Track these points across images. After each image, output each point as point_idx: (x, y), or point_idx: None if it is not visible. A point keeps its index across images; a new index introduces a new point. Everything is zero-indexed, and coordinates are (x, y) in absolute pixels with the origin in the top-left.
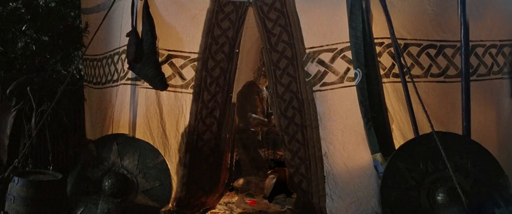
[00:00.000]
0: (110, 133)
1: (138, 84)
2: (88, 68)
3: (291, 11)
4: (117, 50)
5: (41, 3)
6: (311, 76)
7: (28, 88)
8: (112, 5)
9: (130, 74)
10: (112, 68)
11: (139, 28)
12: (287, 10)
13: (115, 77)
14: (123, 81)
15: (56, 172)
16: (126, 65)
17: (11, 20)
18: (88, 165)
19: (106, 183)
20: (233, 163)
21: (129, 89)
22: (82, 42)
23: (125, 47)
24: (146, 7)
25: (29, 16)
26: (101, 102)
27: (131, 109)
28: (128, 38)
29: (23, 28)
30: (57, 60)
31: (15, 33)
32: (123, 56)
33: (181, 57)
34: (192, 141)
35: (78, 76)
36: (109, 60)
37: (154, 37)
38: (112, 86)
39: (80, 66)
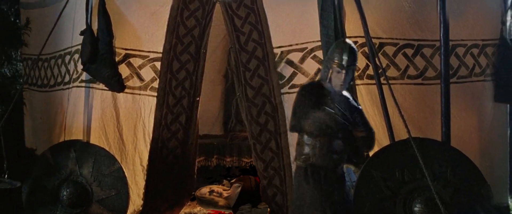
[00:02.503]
0: (61, 139)
1: (93, 87)
2: (30, 69)
3: (262, 8)
4: (69, 50)
5: None
6: (286, 79)
7: None
8: (67, 2)
9: (84, 76)
10: (63, 69)
11: (94, 26)
12: (258, 7)
13: (67, 79)
14: (76, 83)
15: (13, 180)
16: (79, 66)
17: None
18: (44, 173)
19: (64, 193)
20: (195, 171)
21: (83, 92)
22: (22, 40)
23: (79, 47)
24: (102, 3)
25: None
26: (48, 107)
27: (86, 113)
28: (82, 36)
29: None
30: None
31: None
32: (76, 56)
33: (140, 56)
34: (156, 149)
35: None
36: (59, 61)
37: (111, 36)
38: (63, 89)
39: (20, 67)
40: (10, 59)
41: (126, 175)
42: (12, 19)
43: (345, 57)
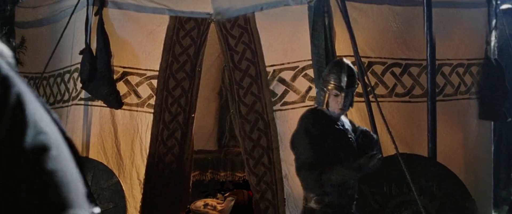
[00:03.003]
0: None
1: (91, 104)
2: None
3: (255, 28)
4: (68, 69)
5: None
6: (278, 96)
7: None
8: (68, 22)
9: (84, 94)
10: (62, 87)
11: (93, 46)
12: (251, 27)
13: (66, 97)
14: (76, 101)
15: None
16: (78, 85)
17: None
18: None
19: None
20: (191, 185)
21: (82, 110)
22: (17, 59)
23: (78, 66)
24: (100, 23)
25: None
26: None
27: (84, 129)
28: (81, 55)
29: None
30: None
31: None
32: (75, 74)
33: (137, 74)
34: (153, 163)
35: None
36: (59, 79)
37: (109, 54)
38: (62, 107)
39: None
40: None
41: (124, 189)
42: (5, 39)
43: (344, 79)
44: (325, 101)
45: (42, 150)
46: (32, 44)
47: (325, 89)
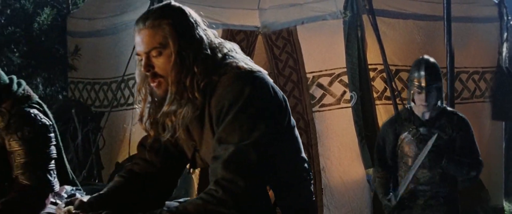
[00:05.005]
0: (125, 152)
1: None
2: (81, 91)
3: (297, 39)
4: (132, 75)
5: (35, 26)
6: (316, 99)
7: (73, 110)
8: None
9: None
10: (126, 92)
11: None
12: (294, 39)
13: (131, 100)
14: (133, 106)
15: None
16: (135, 92)
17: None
18: None
19: None
20: None
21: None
22: (70, 65)
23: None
24: None
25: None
26: (111, 125)
27: None
28: None
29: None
30: (38, 82)
31: (9, 57)
32: (131, 82)
33: None
34: None
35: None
36: (122, 85)
37: None
38: (126, 110)
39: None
40: (55, 82)
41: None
42: (56, 47)
43: (423, 76)
44: (411, 98)
45: None
46: (87, 52)
47: (410, 87)
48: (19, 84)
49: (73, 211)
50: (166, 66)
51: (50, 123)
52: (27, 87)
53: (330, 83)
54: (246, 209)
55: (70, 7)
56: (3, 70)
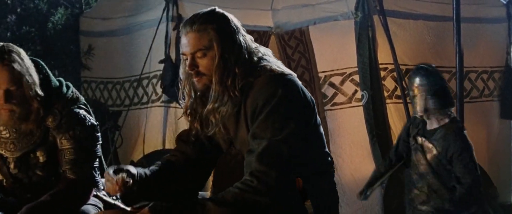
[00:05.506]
0: (140, 149)
1: (170, 106)
2: (94, 91)
3: (309, 39)
4: (147, 75)
5: (49, 26)
6: (328, 98)
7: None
8: (155, 34)
9: (164, 97)
10: (140, 91)
11: (171, 56)
12: (306, 39)
13: (145, 100)
14: (157, 103)
15: None
16: (158, 89)
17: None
18: None
19: None
20: None
21: (162, 111)
22: (83, 64)
23: (157, 73)
24: (179, 37)
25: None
26: (127, 123)
27: (163, 127)
28: (158, 64)
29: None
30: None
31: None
32: (154, 80)
33: None
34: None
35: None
36: (135, 84)
37: None
38: (140, 109)
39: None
40: (68, 81)
41: None
42: (71, 47)
43: (415, 83)
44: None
45: None
46: (100, 52)
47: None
48: (68, 87)
49: (126, 179)
50: (209, 66)
51: (97, 123)
52: (75, 90)
53: (342, 82)
54: (278, 197)
55: (83, 6)
56: None
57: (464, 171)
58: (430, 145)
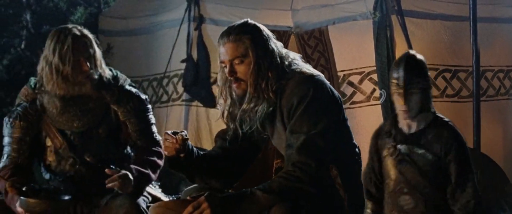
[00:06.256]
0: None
1: (191, 105)
2: None
3: (328, 39)
4: (168, 74)
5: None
6: (347, 97)
7: None
8: (178, 34)
9: (184, 96)
10: (160, 90)
11: (193, 55)
12: (325, 38)
13: (165, 98)
14: (178, 102)
15: None
16: (179, 88)
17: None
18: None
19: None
20: (274, 171)
21: (182, 110)
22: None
23: (177, 72)
24: (200, 37)
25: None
26: None
27: (184, 126)
28: (181, 63)
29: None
30: None
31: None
32: (175, 79)
33: None
34: None
35: None
36: (154, 83)
37: (208, 63)
38: (160, 107)
39: None
40: None
41: None
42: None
43: (401, 73)
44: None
45: None
46: (119, 51)
47: (391, 90)
48: (117, 73)
49: (185, 136)
50: (246, 72)
51: (146, 96)
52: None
53: (360, 81)
54: (317, 184)
55: (102, 5)
56: (34, 67)
57: (464, 178)
58: (421, 151)
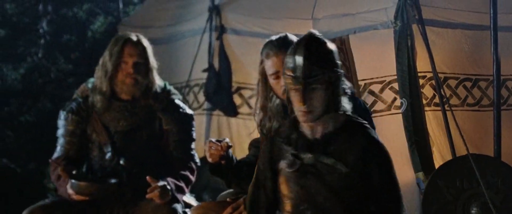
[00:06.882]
0: None
1: (212, 114)
2: None
3: (349, 48)
4: (189, 83)
5: (89, 35)
6: (368, 106)
7: None
8: (200, 44)
9: (206, 105)
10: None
11: (214, 65)
12: (346, 48)
13: (195, 106)
14: (199, 111)
15: None
16: (199, 97)
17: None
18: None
19: None
20: None
21: (204, 119)
22: None
23: (198, 81)
24: (222, 46)
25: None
26: None
27: (205, 135)
28: (202, 73)
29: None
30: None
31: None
32: (196, 88)
33: (249, 89)
34: None
35: None
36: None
37: (230, 73)
38: None
39: None
40: None
41: None
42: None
43: (299, 59)
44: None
45: None
46: None
47: (285, 82)
48: (170, 87)
49: (230, 143)
50: None
51: (192, 112)
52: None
53: (381, 90)
54: None
55: (121, 15)
56: (50, 75)
57: (389, 197)
58: (329, 161)
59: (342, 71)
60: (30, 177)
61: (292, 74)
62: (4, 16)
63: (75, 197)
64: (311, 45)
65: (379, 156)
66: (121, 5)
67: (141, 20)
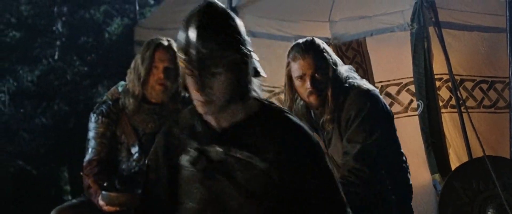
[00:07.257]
0: None
1: None
2: None
3: (366, 50)
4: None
5: (106, 37)
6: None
7: None
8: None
9: None
10: None
11: None
12: (363, 50)
13: None
14: None
15: None
16: None
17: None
18: None
19: None
20: None
21: None
22: None
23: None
24: None
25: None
26: None
27: None
28: None
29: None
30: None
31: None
32: None
33: (266, 91)
34: None
35: None
36: None
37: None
38: None
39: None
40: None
41: None
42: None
43: (193, 39)
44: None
45: None
46: None
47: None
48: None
49: None
50: (323, 83)
51: None
52: None
53: (398, 92)
54: (369, 188)
55: (138, 16)
56: (66, 77)
57: (327, 199)
58: (243, 154)
59: (251, 49)
60: (45, 179)
61: (184, 56)
62: (20, 18)
63: (106, 208)
64: (207, 18)
65: (305, 147)
66: (137, 7)
67: (158, 22)
